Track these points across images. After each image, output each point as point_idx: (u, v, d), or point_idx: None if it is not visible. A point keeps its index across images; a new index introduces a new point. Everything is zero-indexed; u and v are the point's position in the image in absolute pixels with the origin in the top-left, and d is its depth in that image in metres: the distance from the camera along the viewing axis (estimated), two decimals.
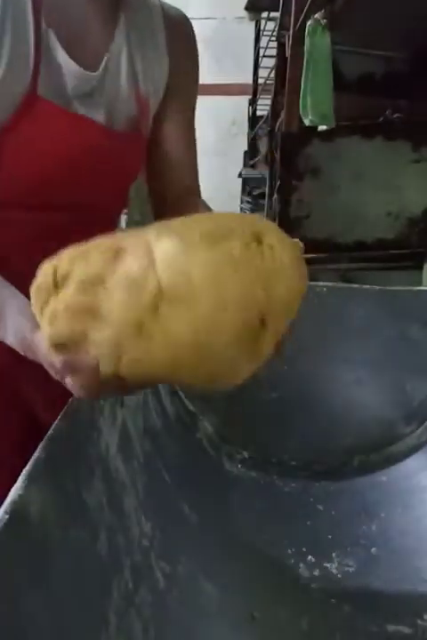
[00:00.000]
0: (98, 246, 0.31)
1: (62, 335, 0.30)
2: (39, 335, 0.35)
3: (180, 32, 0.52)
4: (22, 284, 0.39)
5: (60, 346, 0.31)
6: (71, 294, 0.30)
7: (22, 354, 0.38)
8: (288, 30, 1.38)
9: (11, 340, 0.39)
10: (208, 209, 0.55)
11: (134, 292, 0.29)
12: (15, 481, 0.29)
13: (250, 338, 0.30)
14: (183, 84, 0.53)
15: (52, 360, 0.32)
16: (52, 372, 0.34)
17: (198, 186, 0.57)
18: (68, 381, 0.32)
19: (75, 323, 0.30)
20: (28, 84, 0.42)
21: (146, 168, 0.56)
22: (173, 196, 0.54)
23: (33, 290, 0.33)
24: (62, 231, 0.34)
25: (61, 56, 0.44)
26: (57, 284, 0.31)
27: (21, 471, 0.30)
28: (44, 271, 0.32)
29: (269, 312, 0.30)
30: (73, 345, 0.30)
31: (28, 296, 0.36)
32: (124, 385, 0.32)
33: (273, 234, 0.31)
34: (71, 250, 0.32)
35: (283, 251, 0.31)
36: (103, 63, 0.46)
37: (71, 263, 0.31)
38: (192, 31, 0.54)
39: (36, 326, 0.36)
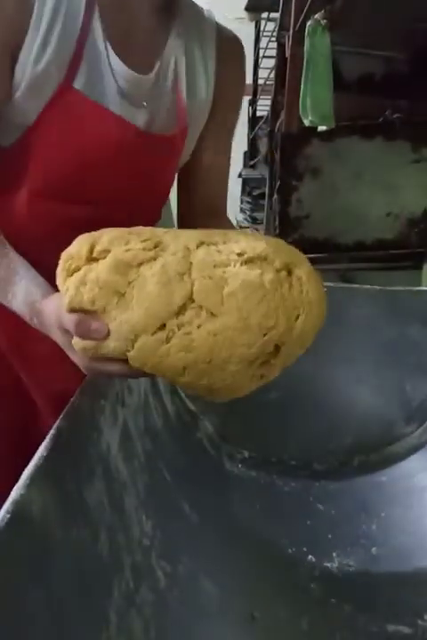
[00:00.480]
0: (139, 234, 0.32)
1: (85, 301, 0.31)
2: (49, 302, 0.35)
3: (231, 54, 0.53)
4: (44, 274, 0.39)
5: (77, 311, 0.31)
6: (106, 269, 0.31)
7: (28, 320, 0.38)
8: (288, 31, 1.38)
9: (18, 305, 0.39)
10: (232, 227, 0.56)
11: (168, 290, 0.30)
12: (14, 480, 0.29)
13: (261, 361, 0.31)
14: (227, 105, 0.54)
15: (63, 320, 0.33)
16: (57, 336, 0.34)
17: (226, 205, 0.58)
18: (75, 342, 0.32)
19: (101, 295, 0.31)
20: (64, 75, 0.42)
21: (178, 182, 0.57)
22: (200, 214, 0.54)
23: (64, 254, 0.34)
24: (88, 227, 0.35)
25: (112, 58, 0.44)
26: (92, 257, 0.32)
27: (20, 470, 0.30)
28: (81, 241, 0.33)
29: (286, 341, 0.31)
30: (90, 314, 0.31)
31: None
32: (125, 371, 0.32)
33: (303, 267, 0.33)
34: (110, 230, 0.33)
35: (310, 285, 0.32)
36: (155, 68, 0.47)
37: (111, 243, 0.32)
38: (243, 56, 0.55)
39: (47, 295, 0.36)
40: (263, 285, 0.30)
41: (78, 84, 0.43)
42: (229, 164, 0.58)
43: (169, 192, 0.56)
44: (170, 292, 0.30)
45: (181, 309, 0.30)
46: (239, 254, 0.31)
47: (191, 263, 0.31)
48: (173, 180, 0.56)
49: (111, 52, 0.44)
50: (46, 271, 0.39)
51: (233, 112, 0.56)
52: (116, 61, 0.45)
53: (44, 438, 0.34)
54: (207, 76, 0.51)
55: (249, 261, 0.31)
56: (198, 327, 0.29)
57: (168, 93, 0.49)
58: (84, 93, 0.44)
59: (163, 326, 0.30)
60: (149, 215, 0.55)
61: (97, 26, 0.43)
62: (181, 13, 0.49)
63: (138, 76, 0.46)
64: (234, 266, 0.30)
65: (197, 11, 0.52)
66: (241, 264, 0.30)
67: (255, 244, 0.32)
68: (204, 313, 0.30)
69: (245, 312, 0.29)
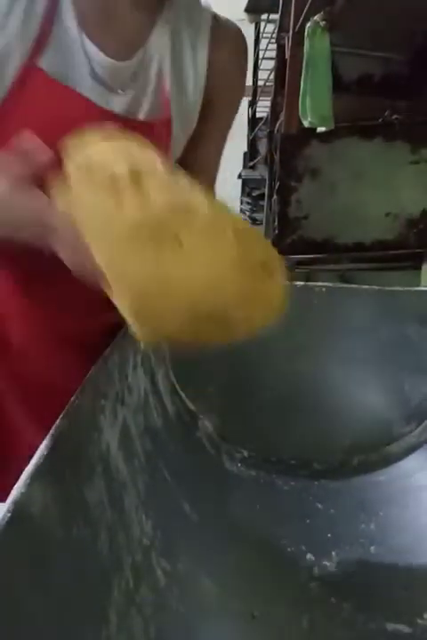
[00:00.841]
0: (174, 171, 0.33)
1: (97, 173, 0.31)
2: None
3: (228, 47, 0.50)
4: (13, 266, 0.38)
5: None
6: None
7: None
8: (288, 32, 1.39)
9: None
10: None
11: (168, 216, 0.31)
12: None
13: (204, 324, 0.32)
14: (222, 101, 0.51)
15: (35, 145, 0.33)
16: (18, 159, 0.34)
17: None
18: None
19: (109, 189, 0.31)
20: (28, 55, 0.41)
21: None
22: None
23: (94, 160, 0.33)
24: None
25: (87, 43, 0.43)
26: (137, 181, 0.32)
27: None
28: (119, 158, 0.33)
29: (235, 320, 0.32)
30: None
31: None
32: (80, 257, 0.32)
33: (280, 272, 0.34)
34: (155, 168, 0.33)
35: (278, 292, 0.34)
36: (137, 56, 0.46)
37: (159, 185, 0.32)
38: (242, 48, 0.52)
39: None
40: (245, 268, 0.31)
41: (44, 64, 0.42)
42: (219, 163, 0.56)
43: None
44: (169, 217, 0.30)
45: (164, 237, 0.30)
46: (233, 230, 0.32)
47: (194, 215, 0.31)
48: None
49: (85, 38, 0.43)
50: (14, 262, 0.38)
51: (230, 109, 0.54)
52: (91, 47, 0.43)
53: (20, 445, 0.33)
54: (196, 68, 0.48)
55: (244, 243, 0.32)
56: (171, 261, 0.30)
57: (152, 82, 0.47)
58: (50, 74, 0.42)
59: (145, 242, 0.30)
60: None
61: (67, 7, 0.42)
62: (170, 2, 0.47)
63: (116, 63, 0.44)
64: (231, 237, 0.32)
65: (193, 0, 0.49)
66: (238, 241, 0.32)
67: (255, 235, 0.35)
68: (184, 252, 0.30)
69: (218, 276, 0.31)
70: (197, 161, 0.53)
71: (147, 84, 0.47)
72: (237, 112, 0.55)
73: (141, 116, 0.47)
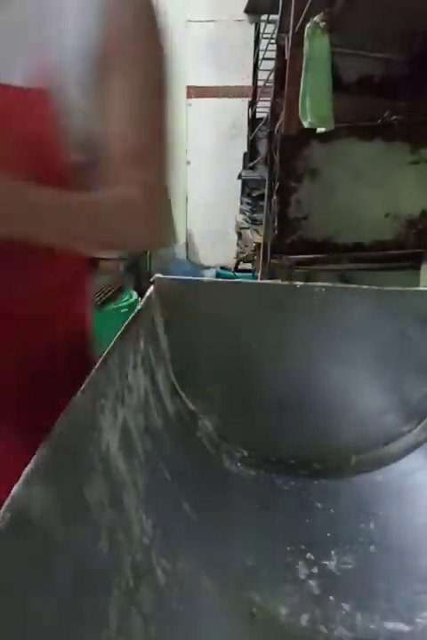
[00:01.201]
0: None
1: None
2: None
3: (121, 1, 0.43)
4: None
5: None
6: None
7: None
8: (287, 33, 1.39)
9: None
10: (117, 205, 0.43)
11: None
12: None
13: None
14: (119, 47, 0.43)
15: None
16: None
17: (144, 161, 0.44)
18: None
19: None
20: None
21: None
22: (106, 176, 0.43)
23: None
24: None
25: None
26: None
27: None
28: None
29: None
30: None
31: None
32: None
33: None
34: None
35: None
36: None
37: None
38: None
39: None
40: None
41: None
42: (144, 118, 0.45)
43: (58, 165, 0.43)
44: None
45: None
46: None
47: None
48: (56, 149, 0.43)
49: None
50: None
51: (134, 53, 0.44)
52: None
53: None
54: (80, 27, 0.42)
55: None
56: None
57: (21, 46, 0.41)
58: None
59: None
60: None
61: None
62: None
63: None
64: None
65: None
66: None
67: None
68: None
69: None
70: (113, 133, 0.43)
71: (13, 48, 0.42)
72: (156, 69, 0.45)
73: (14, 82, 0.41)
